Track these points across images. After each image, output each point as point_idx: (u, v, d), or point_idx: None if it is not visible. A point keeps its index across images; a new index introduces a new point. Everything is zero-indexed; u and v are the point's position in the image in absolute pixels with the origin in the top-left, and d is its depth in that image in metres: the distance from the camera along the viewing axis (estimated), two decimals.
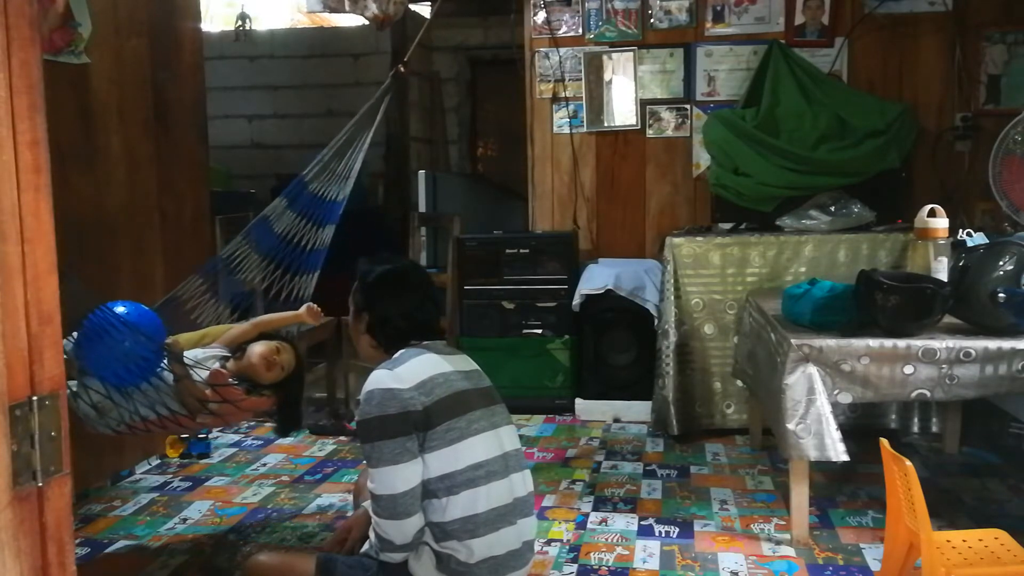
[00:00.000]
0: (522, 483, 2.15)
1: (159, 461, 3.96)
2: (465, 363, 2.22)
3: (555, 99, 4.98)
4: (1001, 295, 2.63)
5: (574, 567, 2.84)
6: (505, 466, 2.10)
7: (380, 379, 2.04)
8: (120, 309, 2.52)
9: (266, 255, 3.13)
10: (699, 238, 4.21)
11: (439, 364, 2.11)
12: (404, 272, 2.28)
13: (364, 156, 3.32)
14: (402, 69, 3.53)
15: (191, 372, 2.58)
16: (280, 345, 2.75)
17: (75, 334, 2.51)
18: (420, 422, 1.99)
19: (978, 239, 3.31)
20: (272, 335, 2.88)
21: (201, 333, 2.90)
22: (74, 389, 2.51)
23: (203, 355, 2.73)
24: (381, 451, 1.98)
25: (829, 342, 2.76)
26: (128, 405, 2.52)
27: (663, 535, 3.08)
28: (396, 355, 2.13)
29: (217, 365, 2.70)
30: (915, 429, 4.09)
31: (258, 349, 2.72)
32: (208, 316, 3.04)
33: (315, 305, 2.98)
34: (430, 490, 2.01)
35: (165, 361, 2.55)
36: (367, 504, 2.23)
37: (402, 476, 1.97)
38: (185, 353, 2.61)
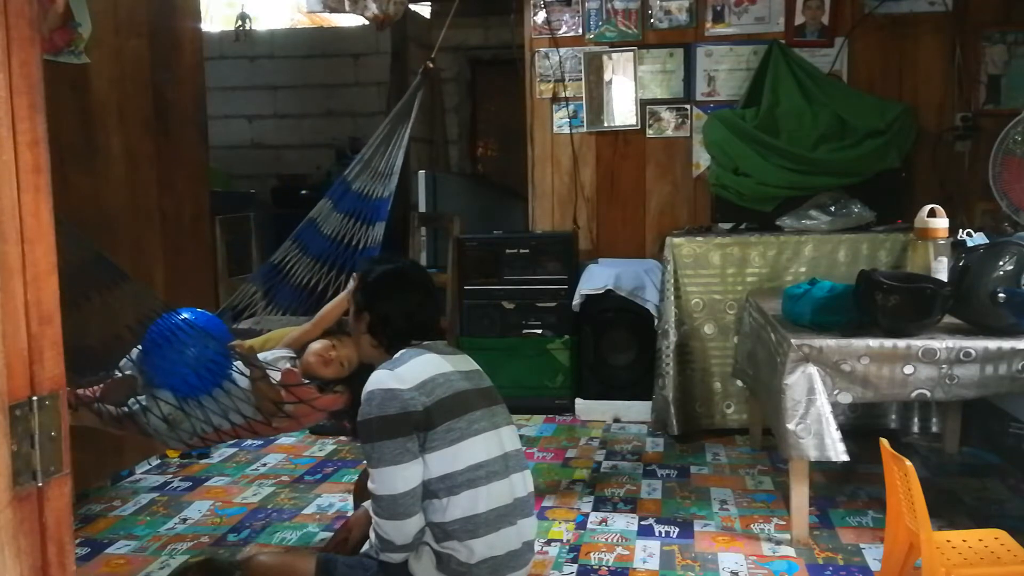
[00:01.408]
0: (522, 483, 2.15)
1: (159, 461, 3.96)
2: (466, 363, 2.22)
3: (555, 99, 4.98)
4: (1001, 295, 2.63)
5: (574, 567, 2.84)
6: (505, 466, 2.10)
7: (381, 379, 2.04)
8: (184, 316, 2.46)
9: (317, 257, 3.11)
10: (699, 238, 4.21)
11: (440, 364, 2.11)
12: (404, 271, 2.28)
13: (404, 151, 3.30)
14: (431, 65, 3.53)
15: (267, 372, 2.51)
16: (337, 341, 2.67)
17: (139, 347, 2.47)
18: (421, 422, 2.00)
19: (978, 239, 3.31)
20: (332, 331, 2.82)
21: (264, 338, 2.84)
22: (143, 403, 2.44)
23: (271, 357, 2.67)
24: (382, 451, 1.98)
25: (829, 342, 2.76)
26: (200, 415, 2.45)
27: (663, 535, 3.08)
28: (396, 355, 2.14)
29: (289, 366, 2.64)
30: (915, 429, 4.09)
31: (314, 347, 2.67)
32: (266, 325, 3.03)
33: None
34: (431, 490, 2.01)
35: (236, 364, 2.47)
36: (367, 504, 2.23)
37: (402, 476, 1.97)
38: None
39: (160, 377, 2.44)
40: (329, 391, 2.63)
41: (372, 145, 3.27)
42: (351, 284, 2.61)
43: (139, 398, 2.46)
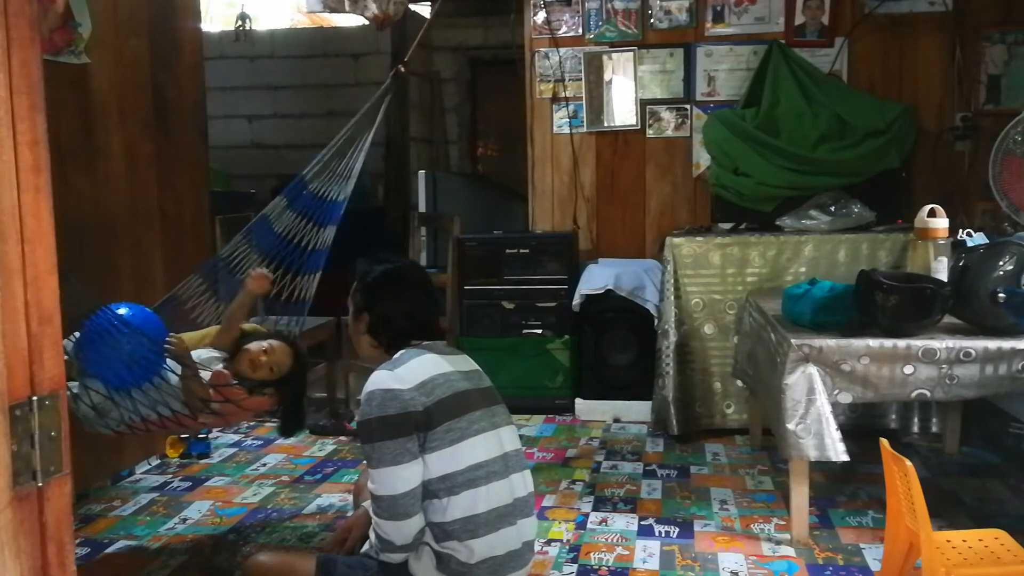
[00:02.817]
0: (522, 483, 2.15)
1: (159, 461, 3.96)
2: (465, 363, 2.22)
3: (555, 99, 4.98)
4: (1001, 295, 2.63)
5: (574, 567, 2.84)
6: (505, 466, 2.10)
7: (380, 380, 2.04)
8: (122, 311, 2.53)
9: (266, 254, 3.11)
10: (699, 238, 4.21)
11: (439, 364, 2.11)
12: (403, 271, 2.28)
13: (365, 156, 3.30)
14: (402, 69, 3.52)
15: (199, 371, 2.59)
16: (271, 346, 2.74)
17: (76, 335, 2.51)
18: (421, 423, 1.99)
19: (978, 239, 3.31)
20: (269, 334, 2.87)
21: (203, 333, 2.91)
22: (75, 391, 2.50)
23: (204, 356, 2.74)
24: (382, 452, 1.98)
25: (829, 342, 2.76)
26: (129, 405, 2.52)
27: (663, 535, 3.08)
28: (396, 355, 2.13)
29: (220, 366, 2.70)
30: (915, 429, 4.09)
31: (250, 347, 2.73)
32: (208, 316, 3.03)
33: (261, 269, 2.94)
34: (431, 490, 2.01)
35: (168, 362, 2.55)
36: (367, 504, 2.23)
37: (402, 477, 1.97)
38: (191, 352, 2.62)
39: (93, 367, 2.50)
40: (258, 393, 2.68)
41: (333, 147, 3.24)
42: (254, 272, 2.67)
43: (70, 385, 2.50)
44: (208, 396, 2.57)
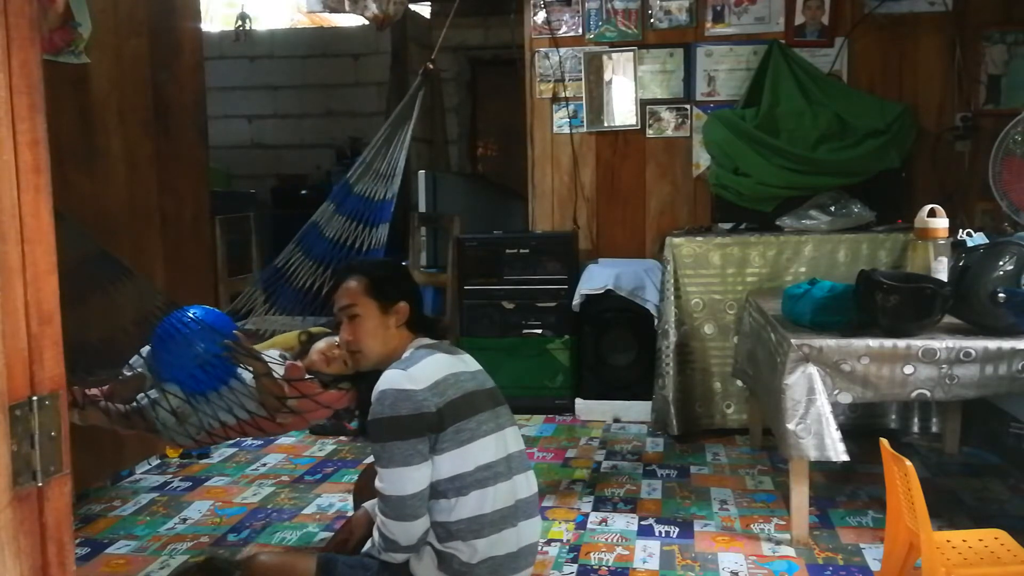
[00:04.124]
0: (526, 484, 2.16)
1: (159, 461, 3.96)
2: (470, 363, 2.22)
3: (555, 99, 4.98)
4: (1001, 295, 2.63)
5: (574, 567, 2.84)
6: (509, 467, 2.10)
7: (394, 379, 2.03)
8: (191, 313, 2.50)
9: (319, 260, 3.11)
10: (699, 238, 4.21)
11: (450, 364, 2.11)
12: (396, 262, 2.31)
13: (407, 152, 3.31)
14: (431, 67, 3.52)
15: (271, 369, 2.54)
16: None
17: (144, 349, 2.51)
18: (433, 424, 1.99)
19: (978, 239, 3.31)
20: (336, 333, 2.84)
21: (270, 342, 2.88)
22: (153, 397, 2.47)
23: (275, 355, 2.69)
24: (392, 452, 1.97)
25: (829, 342, 2.76)
26: (207, 410, 2.47)
27: (663, 535, 3.08)
28: (407, 355, 2.13)
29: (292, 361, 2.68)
30: (915, 429, 4.09)
31: (318, 345, 2.70)
32: (268, 326, 3.04)
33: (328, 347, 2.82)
34: (439, 490, 2.01)
35: (242, 360, 2.51)
36: (368, 505, 2.23)
37: (411, 478, 1.97)
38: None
39: (168, 371, 2.47)
40: (334, 387, 2.64)
41: (374, 147, 3.26)
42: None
43: (148, 392, 2.49)
44: (283, 392, 2.51)
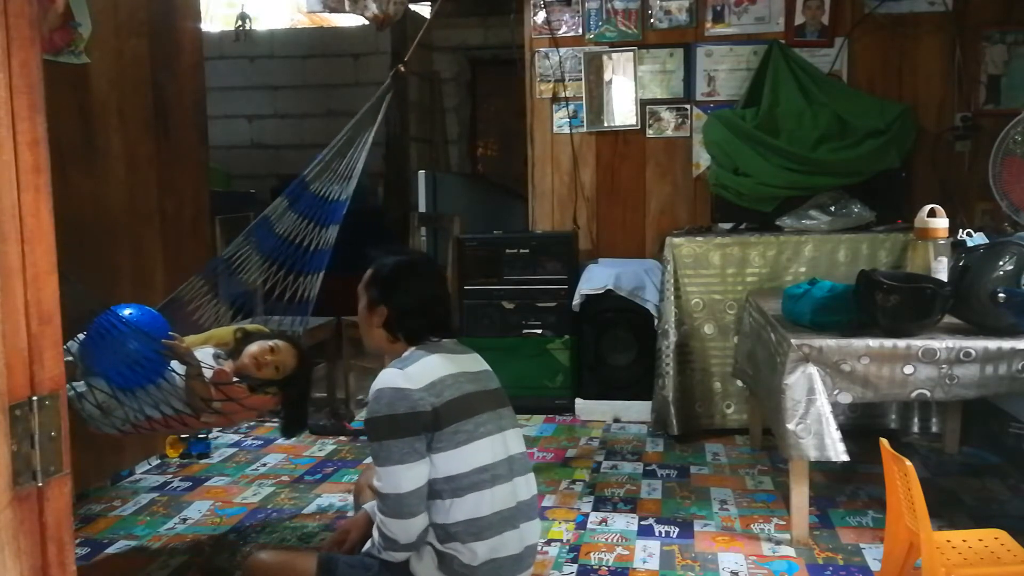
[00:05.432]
0: (526, 487, 2.15)
1: (159, 461, 3.96)
2: (475, 363, 2.20)
3: (555, 99, 4.98)
4: (1001, 295, 2.63)
5: (574, 567, 2.84)
6: (510, 470, 2.09)
7: (390, 378, 2.03)
8: (127, 311, 2.53)
9: (268, 256, 3.11)
10: (699, 238, 4.21)
11: (449, 365, 2.10)
12: (418, 264, 2.25)
13: (366, 156, 3.29)
14: (402, 69, 3.52)
15: (202, 370, 2.58)
16: (276, 345, 2.74)
17: (80, 336, 2.52)
18: (429, 423, 1.99)
19: (978, 239, 3.31)
20: (273, 334, 2.88)
21: (206, 335, 2.90)
22: (79, 390, 2.50)
23: (208, 354, 2.74)
24: (389, 450, 1.97)
25: (829, 342, 2.76)
26: (133, 404, 2.52)
27: (663, 535, 3.08)
28: (406, 354, 2.12)
29: (223, 364, 2.70)
30: (915, 429, 4.09)
31: (251, 349, 2.73)
32: (209, 317, 3.04)
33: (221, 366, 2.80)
34: (435, 491, 2.01)
35: (173, 363, 2.54)
36: (368, 505, 2.23)
37: (408, 476, 1.97)
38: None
39: (97, 367, 2.50)
40: (261, 392, 2.67)
41: (334, 147, 3.21)
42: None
43: (75, 385, 2.51)
44: (210, 395, 2.56)
